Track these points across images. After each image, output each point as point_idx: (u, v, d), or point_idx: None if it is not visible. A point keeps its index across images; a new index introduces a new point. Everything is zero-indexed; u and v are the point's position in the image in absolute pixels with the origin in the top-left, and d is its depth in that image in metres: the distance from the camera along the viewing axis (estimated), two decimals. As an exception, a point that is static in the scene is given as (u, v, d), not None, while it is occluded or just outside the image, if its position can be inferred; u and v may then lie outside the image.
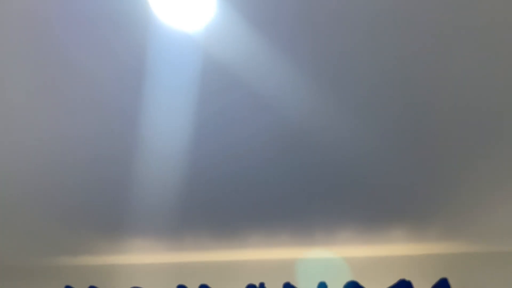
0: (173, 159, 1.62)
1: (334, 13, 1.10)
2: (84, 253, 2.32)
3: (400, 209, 1.92)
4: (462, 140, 1.52)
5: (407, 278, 2.00)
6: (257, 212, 1.95)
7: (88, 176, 1.71)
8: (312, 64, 1.25)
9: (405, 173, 1.69)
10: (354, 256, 2.26)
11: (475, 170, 1.67)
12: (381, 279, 2.07)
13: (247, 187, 1.77)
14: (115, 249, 2.28)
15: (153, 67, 1.27)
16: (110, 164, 1.65)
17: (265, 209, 1.93)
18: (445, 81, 1.29)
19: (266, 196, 1.83)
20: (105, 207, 1.92)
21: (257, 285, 2.03)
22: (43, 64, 1.25)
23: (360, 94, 1.34)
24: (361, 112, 1.41)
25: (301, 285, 2.08)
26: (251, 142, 1.54)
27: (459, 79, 1.28)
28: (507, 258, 2.17)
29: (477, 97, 1.34)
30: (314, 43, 1.18)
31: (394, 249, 2.24)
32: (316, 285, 2.00)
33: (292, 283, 2.02)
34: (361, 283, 2.01)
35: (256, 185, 1.76)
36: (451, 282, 1.97)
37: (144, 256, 2.34)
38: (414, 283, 2.02)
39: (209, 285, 2.08)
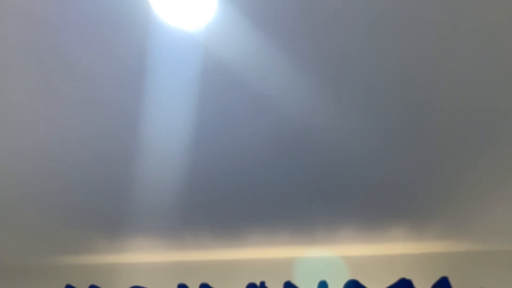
0: (173, 158, 1.62)
1: (335, 13, 1.10)
2: (84, 252, 2.32)
3: (400, 208, 1.92)
4: (462, 139, 1.52)
5: (407, 277, 2.00)
6: (257, 211, 1.95)
7: (88, 175, 1.72)
8: (312, 63, 1.25)
9: (405, 172, 1.69)
10: (354, 255, 2.26)
11: (476, 169, 1.67)
12: (381, 278, 2.07)
13: (247, 186, 1.77)
14: (115, 248, 2.28)
15: (153, 66, 1.27)
16: (111, 163, 1.65)
17: (266, 208, 1.93)
18: (446, 80, 1.29)
19: (267, 195, 1.83)
20: (105, 206, 1.92)
21: (258, 284, 2.03)
22: (43, 64, 1.25)
23: (361, 93, 1.34)
24: (361, 112, 1.41)
25: (302, 284, 2.08)
26: (251, 142, 1.54)
27: (459, 78, 1.28)
28: (507, 257, 2.17)
29: (477, 97, 1.34)
30: (315, 42, 1.18)
31: (395, 248, 2.24)
32: (316, 284, 2.00)
33: (293, 282, 2.02)
34: (362, 282, 2.01)
35: (256, 184, 1.76)
36: (451, 280, 1.97)
37: (144, 255, 2.34)
38: (415, 282, 2.02)
39: (210, 284, 2.08)
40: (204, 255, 2.33)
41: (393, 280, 2.00)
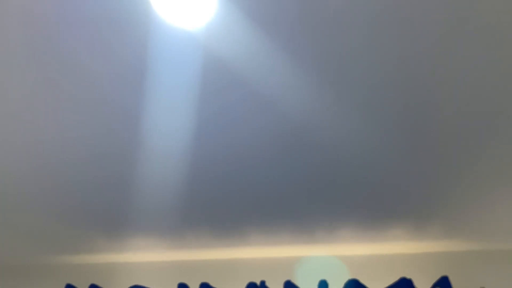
0: (174, 158, 1.62)
1: (335, 12, 1.10)
2: (85, 252, 2.32)
3: (400, 208, 1.92)
4: (463, 139, 1.52)
5: (407, 276, 2.01)
6: (258, 210, 1.95)
7: (89, 175, 1.72)
8: (312, 63, 1.24)
9: (405, 172, 1.69)
10: (354, 254, 2.26)
11: (476, 168, 1.67)
12: (382, 277, 2.07)
13: (248, 186, 1.77)
14: (116, 248, 2.28)
15: (153, 66, 1.27)
16: (111, 163, 1.65)
17: (266, 208, 1.94)
18: (445, 80, 1.29)
19: (267, 194, 1.83)
20: (106, 205, 1.92)
21: (258, 283, 2.04)
22: (44, 63, 1.25)
23: (361, 93, 1.34)
24: (361, 111, 1.41)
25: (302, 283, 2.08)
26: (252, 141, 1.54)
27: (459, 78, 1.28)
28: (507, 256, 2.17)
29: (477, 97, 1.34)
30: (315, 42, 1.18)
31: (395, 247, 2.24)
32: (317, 283, 2.00)
33: (293, 281, 2.02)
34: (362, 281, 2.01)
35: (257, 184, 1.76)
36: (451, 280, 1.97)
37: (145, 254, 2.34)
38: (415, 281, 2.02)
39: (210, 283, 2.09)
40: (204, 255, 2.33)
41: (393, 279, 2.01)
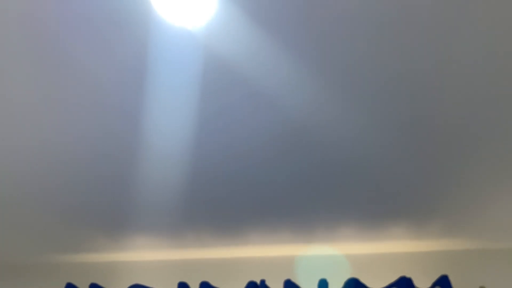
0: (174, 157, 1.62)
1: (339, 11, 1.10)
2: (85, 251, 2.33)
3: (400, 207, 1.93)
4: (463, 138, 1.52)
5: (407, 275, 2.00)
6: (258, 209, 1.95)
7: (89, 174, 1.72)
8: (314, 63, 1.24)
9: (405, 171, 1.69)
10: (355, 253, 2.26)
11: (475, 167, 1.67)
12: (381, 276, 2.07)
13: (248, 185, 1.77)
14: (116, 247, 2.29)
15: (154, 65, 1.26)
16: (112, 162, 1.65)
17: (266, 207, 1.94)
18: (447, 80, 1.29)
19: (268, 194, 1.84)
20: (106, 205, 1.92)
21: (258, 282, 2.04)
22: (44, 64, 1.25)
23: (362, 93, 1.34)
24: (362, 111, 1.41)
25: (302, 282, 2.08)
26: (252, 141, 1.54)
27: (460, 78, 1.28)
28: (508, 255, 2.17)
29: (479, 95, 1.34)
30: (317, 41, 1.18)
31: (395, 246, 2.24)
32: (317, 282, 2.00)
33: (293, 280, 2.02)
34: (362, 280, 2.01)
35: (257, 183, 1.76)
36: (451, 278, 1.97)
37: (145, 253, 2.35)
38: (415, 280, 2.02)
39: (210, 282, 2.08)
40: (205, 254, 2.34)
41: (393, 278, 2.01)
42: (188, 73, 1.29)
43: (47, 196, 1.85)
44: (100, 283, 2.15)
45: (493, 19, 1.12)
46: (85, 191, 1.82)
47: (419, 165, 1.65)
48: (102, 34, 1.17)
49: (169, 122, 1.46)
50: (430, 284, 2.01)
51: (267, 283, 2.04)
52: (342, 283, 1.98)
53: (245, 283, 2.06)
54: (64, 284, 2.13)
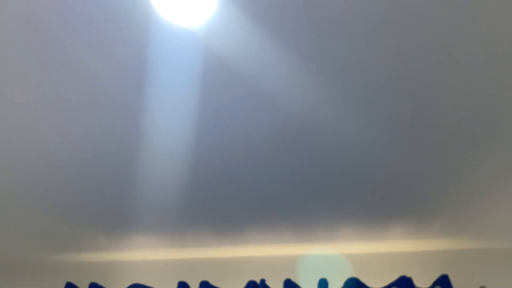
0: (175, 157, 1.62)
1: (340, 10, 1.10)
2: (85, 250, 2.33)
3: (401, 206, 1.93)
4: (463, 137, 1.52)
5: (407, 275, 2.00)
6: (258, 209, 1.95)
7: (89, 174, 1.72)
8: (315, 62, 1.24)
9: (406, 170, 1.69)
10: (355, 253, 2.26)
11: (476, 167, 1.67)
12: (381, 276, 2.07)
13: (248, 184, 1.77)
14: (116, 246, 2.29)
15: (153, 65, 1.26)
16: (112, 162, 1.65)
17: (266, 206, 1.94)
18: (447, 80, 1.29)
19: (268, 193, 1.84)
20: (106, 204, 1.92)
21: (258, 281, 2.03)
22: (43, 64, 1.25)
23: (362, 92, 1.34)
24: (362, 111, 1.41)
25: (302, 281, 2.08)
26: (252, 140, 1.54)
27: (461, 78, 1.28)
28: (508, 255, 2.17)
29: (479, 95, 1.34)
30: (318, 40, 1.18)
31: (395, 246, 2.24)
32: (317, 281, 2.00)
33: (293, 279, 2.02)
34: (362, 279, 2.01)
35: (257, 182, 1.76)
36: (451, 278, 1.97)
37: (145, 253, 2.35)
38: (415, 280, 2.02)
39: (210, 281, 2.08)
40: (204, 253, 2.34)
41: (393, 277, 2.00)
42: (188, 73, 1.29)
43: (47, 196, 1.85)
44: (100, 282, 2.15)
45: (493, 19, 1.12)
46: (85, 191, 1.82)
47: (419, 165, 1.65)
48: (102, 34, 1.17)
49: (169, 122, 1.46)
50: (430, 284, 2.00)
51: (267, 282, 2.04)
52: (342, 283, 1.98)
53: (245, 283, 2.06)
54: (64, 284, 2.13)
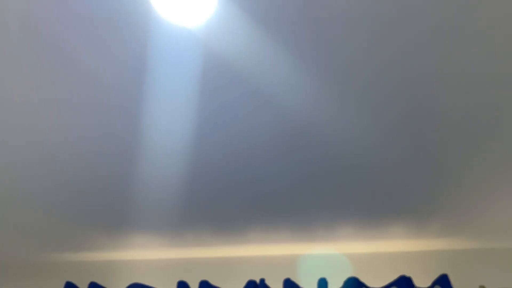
0: (174, 156, 1.62)
1: (340, 10, 1.10)
2: (85, 250, 2.33)
3: (400, 206, 1.93)
4: (463, 137, 1.52)
5: (407, 274, 2.01)
6: (258, 208, 1.95)
7: (89, 173, 1.72)
8: (314, 61, 1.24)
9: (405, 170, 1.69)
10: (354, 252, 2.26)
11: (475, 166, 1.67)
12: (381, 275, 2.07)
13: (248, 184, 1.77)
14: (116, 245, 2.29)
15: (153, 64, 1.26)
16: (111, 161, 1.65)
17: (266, 206, 1.94)
18: (447, 80, 1.29)
19: (267, 192, 1.84)
20: (106, 204, 1.92)
21: (258, 281, 2.03)
22: (43, 63, 1.25)
23: (361, 92, 1.34)
24: (362, 110, 1.41)
25: (302, 281, 2.08)
26: (252, 140, 1.54)
27: (460, 78, 1.28)
28: (507, 255, 2.17)
29: (479, 95, 1.34)
30: (318, 40, 1.18)
31: (395, 245, 2.24)
32: (316, 281, 2.00)
33: (293, 279, 2.02)
34: (362, 279, 2.01)
35: (257, 182, 1.76)
36: (451, 278, 1.97)
37: (145, 252, 2.35)
38: (415, 279, 2.03)
39: (210, 281, 2.08)
40: (204, 253, 2.34)
41: (393, 277, 2.01)
42: (188, 72, 1.29)
43: (47, 195, 1.85)
44: (99, 282, 2.15)
45: (493, 19, 1.11)
46: (84, 190, 1.82)
47: (419, 165, 1.65)
48: (101, 33, 1.17)
49: (169, 121, 1.45)
50: (430, 283, 2.01)
51: (267, 282, 2.04)
52: (341, 282, 1.98)
53: (244, 282, 2.06)
54: (63, 283, 2.13)
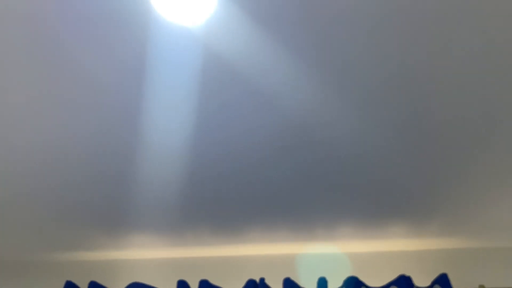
0: (174, 155, 1.62)
1: (338, 10, 1.10)
2: (85, 249, 2.33)
3: (400, 205, 1.93)
4: (463, 136, 1.52)
5: (407, 274, 2.01)
6: (257, 207, 1.96)
7: (89, 172, 1.72)
8: (314, 61, 1.24)
9: (405, 170, 1.69)
10: (354, 252, 2.26)
11: (475, 166, 1.67)
12: (381, 275, 2.07)
13: (247, 183, 1.77)
14: (116, 245, 2.29)
15: (153, 64, 1.26)
16: (111, 160, 1.65)
17: (266, 205, 1.94)
18: (447, 80, 1.29)
19: (267, 192, 1.84)
20: (106, 203, 1.92)
21: (258, 280, 2.04)
22: (43, 63, 1.25)
23: (361, 92, 1.34)
24: (361, 110, 1.41)
25: (301, 280, 2.08)
26: (251, 139, 1.54)
27: (459, 78, 1.28)
28: (507, 254, 2.18)
29: (479, 95, 1.34)
30: (317, 39, 1.18)
31: (394, 245, 2.25)
32: (316, 280, 2.00)
33: (293, 278, 2.02)
34: (361, 278, 2.01)
35: (256, 181, 1.76)
36: (450, 277, 1.97)
37: (144, 251, 2.35)
38: (414, 279, 2.03)
39: (210, 280, 2.08)
40: (204, 252, 2.34)
41: (392, 276, 2.01)
42: (187, 72, 1.29)
43: (47, 195, 1.85)
44: (99, 281, 2.15)
45: (493, 18, 1.11)
46: (84, 190, 1.82)
47: (419, 165, 1.65)
48: (101, 32, 1.17)
49: (168, 120, 1.46)
50: (429, 283, 2.01)
51: (267, 281, 2.04)
52: (341, 282, 1.98)
53: (244, 281, 2.06)
54: (64, 282, 2.13)
